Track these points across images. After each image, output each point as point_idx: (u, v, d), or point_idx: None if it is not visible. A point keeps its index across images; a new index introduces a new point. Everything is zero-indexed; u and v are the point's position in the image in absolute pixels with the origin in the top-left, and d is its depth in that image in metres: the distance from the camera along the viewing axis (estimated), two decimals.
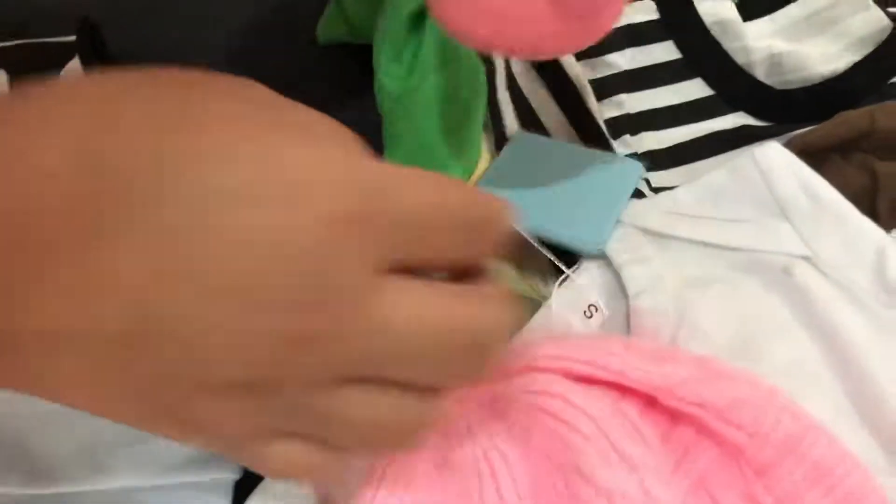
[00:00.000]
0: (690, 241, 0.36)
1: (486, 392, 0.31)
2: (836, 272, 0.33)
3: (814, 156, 0.37)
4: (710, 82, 0.45)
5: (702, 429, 0.29)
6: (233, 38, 0.50)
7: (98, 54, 0.47)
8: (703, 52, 0.45)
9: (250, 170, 0.18)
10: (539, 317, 0.35)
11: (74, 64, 0.47)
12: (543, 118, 0.43)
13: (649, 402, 0.30)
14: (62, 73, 0.46)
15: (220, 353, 0.19)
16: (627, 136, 0.44)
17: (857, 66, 0.43)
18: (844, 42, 0.44)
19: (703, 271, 0.35)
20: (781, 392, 0.28)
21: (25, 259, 0.18)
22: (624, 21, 0.45)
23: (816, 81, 0.43)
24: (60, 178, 0.18)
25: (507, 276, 0.41)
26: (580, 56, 0.44)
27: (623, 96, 0.44)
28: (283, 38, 0.49)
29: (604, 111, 0.44)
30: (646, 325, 0.34)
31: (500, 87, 0.43)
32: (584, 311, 0.35)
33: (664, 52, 0.45)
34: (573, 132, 0.43)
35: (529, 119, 0.43)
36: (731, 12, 0.44)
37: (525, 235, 0.37)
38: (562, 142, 0.43)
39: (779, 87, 0.44)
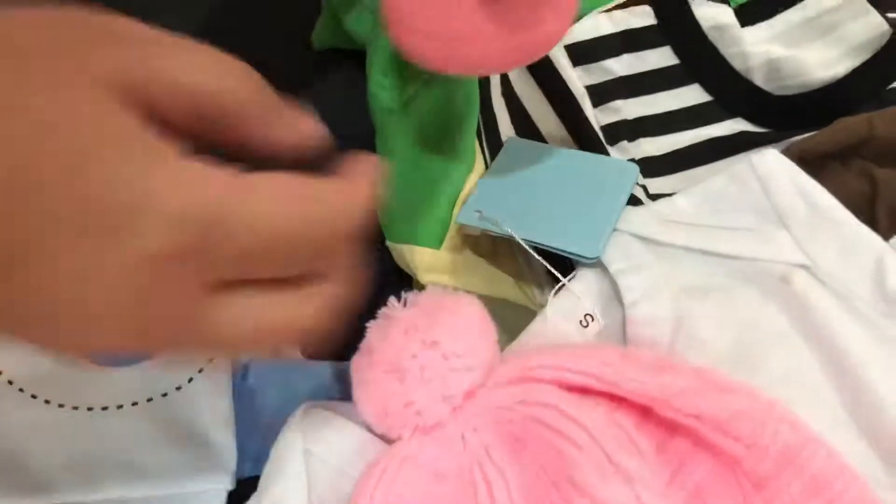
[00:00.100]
0: (688, 249, 0.35)
1: (481, 402, 0.31)
2: (835, 281, 0.33)
3: (812, 162, 0.37)
4: (707, 88, 0.44)
5: (698, 440, 0.28)
6: (227, 42, 0.50)
7: None
8: (700, 58, 0.44)
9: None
10: (535, 326, 0.35)
11: None
12: (539, 124, 0.43)
13: (645, 412, 0.29)
14: None
15: None
16: (625, 143, 0.43)
17: (856, 72, 0.43)
18: (843, 47, 0.43)
19: (700, 280, 0.35)
20: (780, 403, 0.28)
21: None
22: (621, 26, 0.44)
23: (815, 87, 0.43)
24: None
25: (503, 285, 0.40)
26: (577, 61, 0.44)
27: (620, 102, 0.44)
28: (280, 43, 0.49)
29: (601, 117, 0.44)
30: (642, 335, 0.33)
31: (495, 93, 0.43)
32: (580, 321, 0.34)
33: (661, 57, 0.44)
34: (569, 138, 0.43)
35: (525, 125, 0.43)
36: (729, 17, 0.44)
37: (521, 243, 0.36)
38: (556, 147, 0.42)
39: (777, 92, 0.44)
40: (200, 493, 0.35)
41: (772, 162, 0.36)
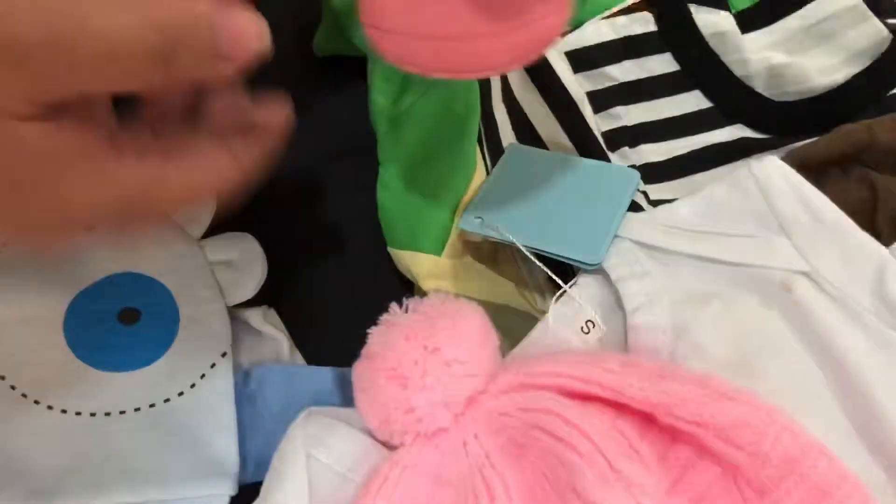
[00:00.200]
0: (689, 256, 0.35)
1: (482, 408, 0.31)
2: (836, 288, 0.33)
3: (813, 169, 0.37)
4: (708, 94, 0.44)
5: (700, 448, 0.28)
6: None
7: None
8: (701, 64, 0.44)
9: None
10: (536, 332, 0.35)
11: None
12: (540, 130, 0.43)
13: (647, 419, 0.29)
14: None
15: None
16: (626, 149, 0.43)
17: (856, 79, 0.43)
18: (843, 54, 0.44)
19: (701, 286, 0.35)
20: (781, 411, 0.28)
21: None
22: (622, 33, 0.44)
23: (815, 94, 0.43)
24: None
25: (505, 291, 0.40)
26: (578, 68, 0.44)
27: (621, 108, 0.44)
28: (281, 49, 0.49)
29: (601, 123, 0.44)
30: (644, 341, 0.33)
31: (496, 99, 0.43)
32: (582, 327, 0.34)
33: (662, 64, 0.45)
34: (570, 144, 0.43)
35: (525, 131, 0.43)
36: (730, 24, 0.44)
37: (522, 249, 0.36)
38: (557, 153, 0.43)
39: (777, 99, 0.44)
40: (203, 499, 0.35)
41: (772, 169, 0.36)
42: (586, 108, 0.43)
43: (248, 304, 0.40)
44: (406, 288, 0.42)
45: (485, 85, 0.43)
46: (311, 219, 0.44)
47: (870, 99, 0.43)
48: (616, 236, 0.37)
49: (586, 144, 0.42)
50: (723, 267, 0.35)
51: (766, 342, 0.33)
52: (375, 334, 0.32)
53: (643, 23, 0.45)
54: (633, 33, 0.44)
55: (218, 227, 0.41)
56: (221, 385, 0.37)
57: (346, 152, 0.45)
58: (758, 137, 0.44)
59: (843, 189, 0.37)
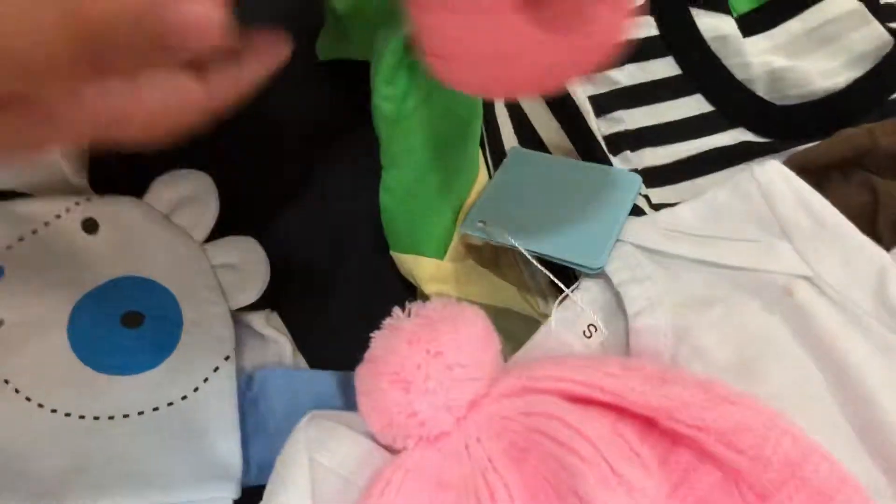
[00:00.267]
0: (691, 260, 0.35)
1: (484, 412, 0.31)
2: (837, 292, 0.33)
3: (814, 173, 0.37)
4: (710, 98, 0.44)
5: (702, 452, 0.28)
6: None
7: None
8: (703, 68, 0.44)
9: None
10: (538, 336, 0.35)
11: None
12: (542, 134, 0.43)
13: (648, 423, 0.30)
14: None
15: None
16: (628, 152, 0.44)
17: (857, 83, 0.43)
18: (844, 58, 0.44)
19: (703, 290, 0.35)
20: (782, 415, 0.28)
21: None
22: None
23: (817, 97, 0.43)
24: None
25: (507, 294, 0.41)
26: None
27: (623, 112, 0.44)
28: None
29: (603, 127, 0.44)
30: (645, 345, 0.33)
31: (498, 103, 0.43)
32: (584, 331, 0.35)
33: (664, 67, 0.45)
34: (572, 148, 0.43)
35: (527, 135, 0.43)
36: (731, 28, 0.44)
37: (524, 253, 0.37)
38: (559, 156, 0.43)
39: (779, 102, 0.44)
40: (206, 502, 0.36)
41: (774, 173, 0.36)
42: (588, 112, 0.43)
43: (251, 307, 0.40)
44: (408, 291, 0.42)
45: None
46: (313, 222, 0.44)
47: (871, 103, 0.43)
48: (618, 240, 0.37)
49: (588, 148, 0.42)
50: (724, 271, 0.35)
51: (767, 346, 0.33)
52: (378, 338, 0.32)
53: (645, 27, 0.45)
54: (635, 37, 0.45)
55: (221, 230, 0.41)
56: (225, 388, 0.37)
57: (348, 156, 0.45)
58: (759, 141, 0.44)
59: (844, 193, 0.37)
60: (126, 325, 0.38)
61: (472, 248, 0.41)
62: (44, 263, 0.39)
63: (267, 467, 0.33)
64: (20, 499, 0.34)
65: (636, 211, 0.39)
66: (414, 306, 0.33)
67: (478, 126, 0.41)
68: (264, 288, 0.40)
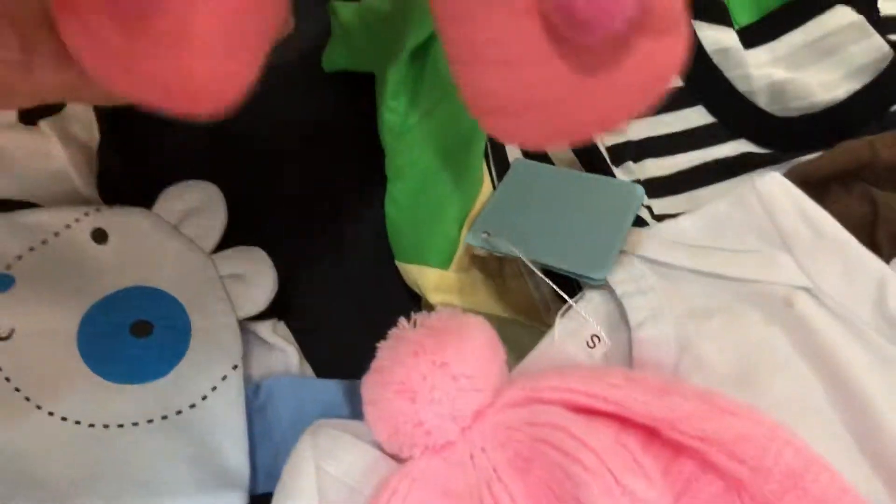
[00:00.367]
0: (692, 271, 0.36)
1: (489, 422, 0.32)
2: (837, 304, 0.33)
3: (815, 185, 0.38)
4: (711, 110, 0.45)
5: (704, 462, 0.29)
6: None
7: None
8: (704, 80, 0.45)
9: None
10: (542, 347, 0.35)
11: None
12: None
13: (651, 434, 0.30)
14: None
15: None
16: (630, 163, 0.44)
17: (857, 95, 0.43)
18: (845, 70, 0.44)
19: (704, 302, 0.35)
20: (784, 426, 0.29)
21: None
22: None
23: (818, 109, 0.44)
24: None
25: (511, 305, 0.41)
26: None
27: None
28: (290, 65, 0.50)
29: (606, 138, 0.44)
30: (648, 356, 0.34)
31: None
32: (587, 342, 0.35)
33: None
34: (575, 159, 0.43)
35: None
36: (733, 40, 0.45)
37: (528, 264, 0.37)
38: (562, 168, 0.43)
39: (780, 114, 0.44)
40: None
41: (774, 185, 0.36)
42: None
43: (259, 316, 0.41)
44: (413, 301, 0.42)
45: None
46: (320, 233, 0.44)
47: (871, 115, 0.43)
48: (621, 251, 0.37)
49: (591, 159, 0.43)
50: (725, 282, 0.35)
51: (768, 357, 0.33)
52: (384, 348, 0.33)
53: None
54: None
55: (229, 240, 0.41)
56: (233, 397, 0.37)
57: (354, 167, 0.45)
58: (761, 152, 0.44)
59: (844, 205, 0.38)
60: (135, 335, 0.38)
61: (477, 258, 0.41)
62: (54, 273, 0.39)
63: (273, 475, 0.33)
64: None
65: (639, 221, 0.40)
66: (419, 317, 0.33)
67: (482, 138, 0.41)
68: (272, 297, 0.41)
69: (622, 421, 0.30)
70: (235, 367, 0.38)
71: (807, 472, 0.28)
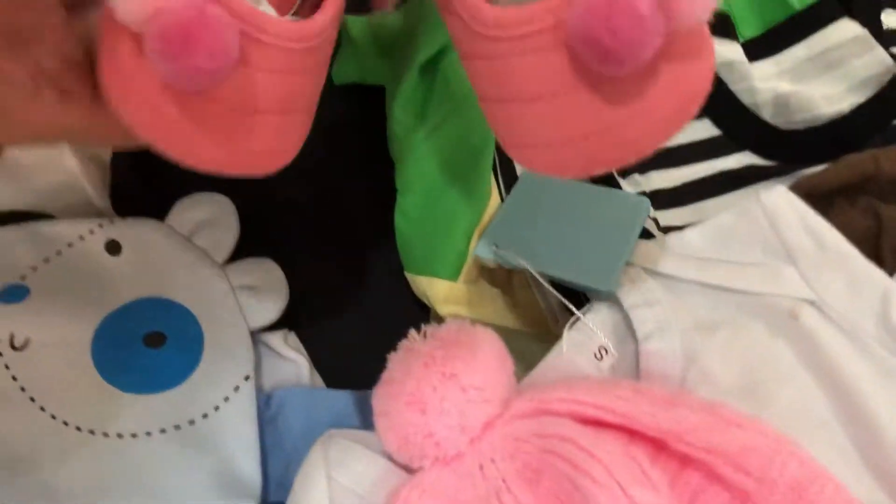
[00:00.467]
0: (698, 284, 0.36)
1: (498, 433, 0.32)
2: (841, 317, 0.34)
3: (819, 198, 0.38)
4: (716, 122, 0.45)
5: (710, 474, 0.29)
6: None
7: None
8: (710, 93, 0.45)
9: None
10: (550, 358, 0.36)
11: None
12: None
13: (658, 445, 0.30)
14: None
15: None
16: (636, 175, 0.44)
17: (860, 108, 0.44)
18: (848, 83, 0.44)
19: (710, 314, 0.36)
20: (789, 439, 0.29)
21: None
22: None
23: (821, 122, 0.44)
24: None
25: (519, 316, 0.41)
26: None
27: None
28: None
29: None
30: (655, 368, 0.34)
31: None
32: (595, 353, 0.35)
33: None
34: None
35: None
36: (738, 54, 0.45)
37: (536, 276, 0.37)
38: (569, 180, 0.43)
39: (785, 127, 0.45)
40: None
41: (779, 198, 0.37)
42: None
43: (270, 327, 0.41)
44: (423, 312, 0.43)
45: None
46: (330, 244, 0.45)
47: (875, 128, 0.44)
48: (628, 263, 0.38)
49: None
50: (731, 294, 0.36)
51: (773, 369, 0.34)
52: (394, 360, 0.33)
53: None
54: None
55: (241, 252, 0.42)
56: (245, 407, 0.38)
57: (364, 180, 0.46)
58: (765, 164, 0.45)
59: (848, 218, 0.38)
60: (148, 345, 0.39)
61: (485, 270, 0.41)
62: (68, 284, 0.40)
63: (285, 484, 0.34)
64: None
65: (645, 234, 0.40)
66: (429, 328, 0.34)
67: (490, 152, 0.42)
68: (283, 309, 0.41)
69: (630, 433, 0.31)
70: (247, 377, 0.39)
71: (812, 483, 0.28)
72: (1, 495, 0.34)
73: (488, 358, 0.33)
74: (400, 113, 0.40)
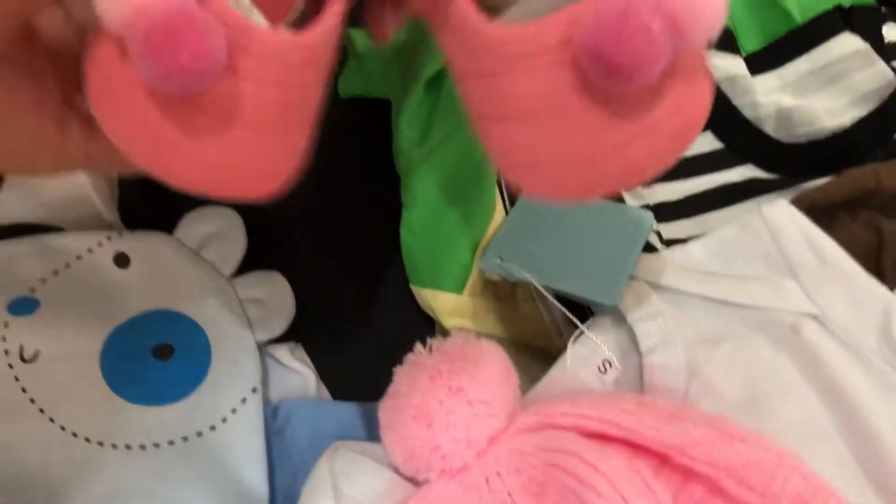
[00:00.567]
0: (701, 298, 0.37)
1: (504, 447, 0.32)
2: (843, 331, 0.34)
3: (821, 213, 0.38)
4: (719, 136, 0.46)
5: (713, 488, 0.29)
6: None
7: None
8: (712, 107, 0.46)
9: None
10: (554, 372, 0.36)
11: None
12: None
13: (662, 459, 0.31)
14: None
15: None
16: (640, 188, 0.45)
17: (862, 122, 0.44)
18: (849, 97, 0.45)
19: (713, 327, 0.36)
20: (791, 453, 0.29)
21: None
22: None
23: (824, 136, 0.44)
24: None
25: (523, 328, 0.42)
26: None
27: None
28: None
29: None
30: (658, 382, 0.34)
31: None
32: (599, 367, 0.36)
33: None
34: None
35: None
36: (740, 68, 0.46)
37: (540, 289, 0.38)
38: None
39: (787, 140, 0.45)
40: None
41: (781, 213, 0.37)
42: None
43: (277, 340, 0.41)
44: (428, 324, 0.43)
45: None
46: (337, 258, 0.45)
47: (876, 141, 0.44)
48: (631, 277, 0.38)
49: None
50: (733, 308, 0.36)
51: (775, 383, 0.34)
52: (401, 374, 0.34)
53: None
54: None
55: (248, 265, 0.42)
56: (252, 419, 0.38)
57: (370, 192, 0.46)
58: (768, 178, 0.45)
59: (850, 232, 0.39)
60: (156, 357, 0.39)
61: (490, 283, 0.42)
62: (77, 296, 0.40)
63: (292, 496, 0.34)
64: None
65: (648, 247, 0.41)
66: (435, 342, 0.34)
67: (494, 166, 0.42)
68: (290, 321, 0.41)
69: (634, 446, 0.31)
70: (255, 389, 0.39)
71: (813, 498, 0.28)
72: None
73: (494, 372, 0.33)
74: (406, 128, 0.41)
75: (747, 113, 0.46)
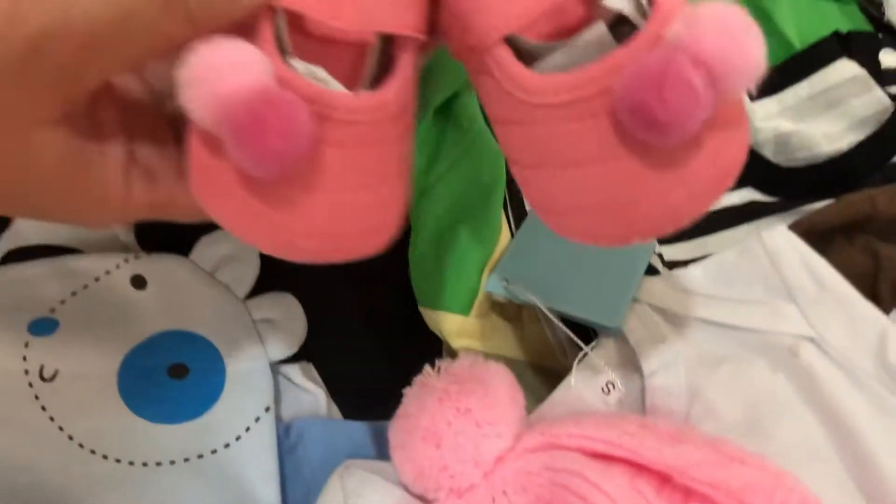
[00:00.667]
0: (702, 320, 0.37)
1: (510, 466, 0.33)
2: (840, 354, 0.35)
3: (819, 237, 0.39)
4: None
5: None
6: None
7: None
8: None
9: None
10: (558, 393, 0.37)
11: None
12: None
13: (663, 479, 0.31)
14: None
15: None
16: None
17: (860, 146, 0.45)
18: (847, 122, 0.46)
19: (713, 350, 0.37)
20: (789, 475, 0.30)
21: None
22: None
23: (822, 160, 0.45)
24: None
25: (528, 349, 0.43)
26: None
27: None
28: None
29: None
30: (660, 404, 0.35)
31: None
32: (602, 388, 0.37)
33: None
34: None
35: None
36: None
37: (545, 311, 0.39)
38: None
39: (786, 164, 0.46)
40: None
41: (780, 238, 0.38)
42: None
43: (289, 359, 0.42)
44: (436, 344, 0.44)
45: None
46: (347, 280, 0.46)
47: (874, 165, 0.45)
48: (634, 299, 0.39)
49: None
50: (733, 331, 0.37)
51: (774, 405, 0.35)
52: (410, 395, 0.35)
53: None
54: None
55: (261, 287, 0.43)
56: (265, 437, 0.39)
57: None
58: (767, 201, 0.46)
59: (847, 256, 0.39)
60: (172, 376, 0.40)
61: (496, 304, 0.43)
62: (95, 317, 0.41)
63: None
64: None
65: (650, 269, 0.42)
66: (443, 364, 0.35)
67: (501, 191, 0.43)
68: (301, 342, 0.42)
69: (637, 466, 0.32)
70: (268, 408, 0.40)
71: None
72: None
73: (501, 393, 0.34)
74: (415, 154, 0.42)
75: None
